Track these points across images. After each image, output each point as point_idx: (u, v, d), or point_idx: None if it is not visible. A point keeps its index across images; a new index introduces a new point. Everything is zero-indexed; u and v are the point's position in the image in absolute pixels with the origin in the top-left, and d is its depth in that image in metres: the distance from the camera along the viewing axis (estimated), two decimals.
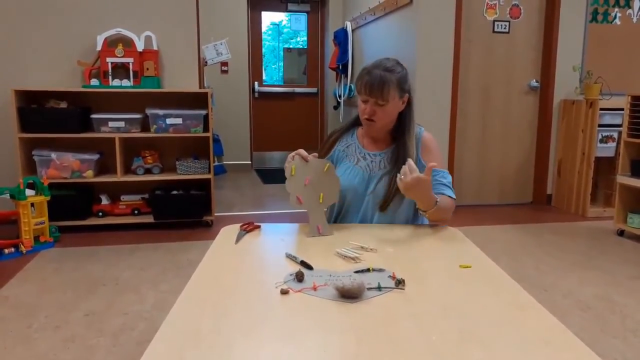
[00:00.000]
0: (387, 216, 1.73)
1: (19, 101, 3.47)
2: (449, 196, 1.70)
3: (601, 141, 4.21)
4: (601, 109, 4.14)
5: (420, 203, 1.60)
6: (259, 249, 1.51)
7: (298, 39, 6.90)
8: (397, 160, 1.70)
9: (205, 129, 3.75)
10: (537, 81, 4.54)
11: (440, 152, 1.81)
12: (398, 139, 1.75)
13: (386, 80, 1.64)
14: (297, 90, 6.83)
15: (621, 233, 3.73)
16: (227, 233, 1.58)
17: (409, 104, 1.75)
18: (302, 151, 1.64)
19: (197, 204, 3.76)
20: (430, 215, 1.61)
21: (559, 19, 4.40)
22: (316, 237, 1.56)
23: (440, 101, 4.31)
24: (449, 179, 1.74)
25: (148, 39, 3.71)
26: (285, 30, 6.86)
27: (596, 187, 4.43)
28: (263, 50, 6.69)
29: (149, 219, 3.74)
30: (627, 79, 4.44)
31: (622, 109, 3.82)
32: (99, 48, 3.60)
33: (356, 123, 1.86)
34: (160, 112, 3.66)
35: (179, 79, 3.88)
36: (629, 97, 3.61)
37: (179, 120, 3.68)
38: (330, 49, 6.38)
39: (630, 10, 4.53)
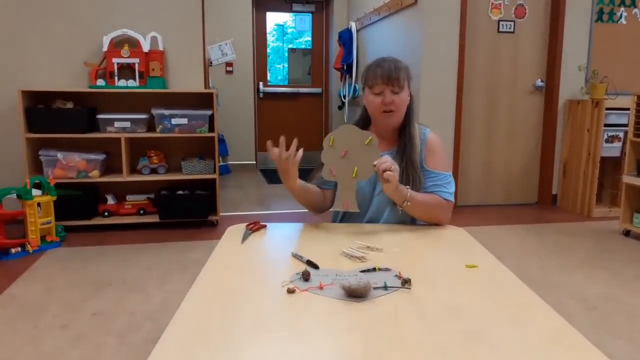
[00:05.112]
0: (394, 217, 1.72)
1: (26, 101, 3.49)
2: (440, 195, 1.69)
3: (607, 141, 4.19)
4: (607, 109, 4.12)
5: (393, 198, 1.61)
6: (265, 249, 1.51)
7: (302, 39, 6.91)
8: (404, 156, 1.71)
9: (211, 129, 3.76)
10: (542, 81, 4.53)
11: (444, 154, 1.79)
12: (403, 135, 1.75)
13: (400, 68, 1.69)
14: (302, 90, 6.83)
15: (627, 233, 3.72)
16: (233, 232, 1.59)
17: (411, 98, 1.76)
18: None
19: (202, 204, 3.77)
20: (408, 210, 1.62)
21: (564, 18, 4.38)
22: (319, 237, 1.56)
23: (445, 101, 4.31)
24: (448, 180, 1.73)
25: (154, 40, 3.73)
26: (289, 30, 6.87)
27: (602, 187, 4.42)
28: (268, 50, 6.70)
29: (155, 218, 3.75)
30: (632, 79, 4.42)
31: (627, 109, 3.80)
32: (105, 49, 3.62)
33: (364, 127, 1.85)
34: (166, 112, 3.68)
35: (185, 79, 3.90)
36: (635, 97, 3.60)
37: (184, 121, 3.70)
38: (335, 49, 6.38)
39: (636, 10, 4.51)
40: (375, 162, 1.53)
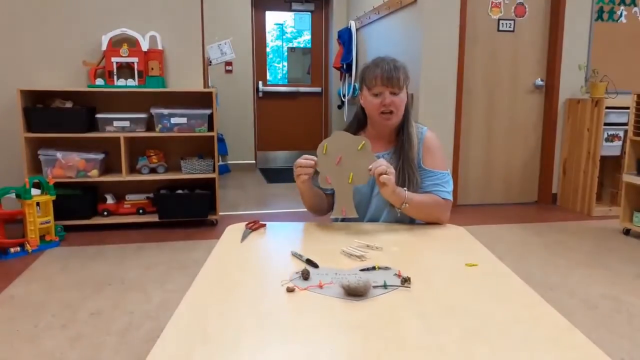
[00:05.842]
0: (392, 217, 1.71)
1: (25, 101, 3.48)
2: (438, 195, 1.68)
3: (607, 140, 4.19)
4: (607, 108, 4.12)
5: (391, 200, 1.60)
6: (264, 248, 1.51)
7: (302, 38, 6.90)
8: (402, 155, 1.70)
9: (210, 128, 3.76)
10: (542, 80, 4.52)
11: (442, 152, 1.78)
12: (401, 134, 1.74)
13: (398, 68, 1.68)
14: (301, 89, 6.83)
15: (627, 232, 3.71)
16: (233, 232, 1.58)
17: (409, 97, 1.76)
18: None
19: (202, 203, 3.77)
20: (406, 211, 1.61)
21: (564, 17, 4.38)
22: (319, 236, 1.56)
23: (445, 100, 4.30)
24: (446, 179, 1.72)
25: (153, 39, 3.72)
26: (289, 29, 6.86)
27: (602, 186, 4.41)
28: (267, 49, 6.70)
29: (154, 218, 3.75)
30: (632, 78, 4.42)
31: (627, 108, 3.79)
32: (104, 48, 3.61)
33: (360, 127, 1.83)
34: (165, 111, 3.67)
35: (184, 78, 3.89)
36: (635, 96, 3.59)
37: (183, 120, 3.69)
38: (335, 48, 6.37)
39: (636, 9, 4.50)
40: (371, 166, 1.53)
